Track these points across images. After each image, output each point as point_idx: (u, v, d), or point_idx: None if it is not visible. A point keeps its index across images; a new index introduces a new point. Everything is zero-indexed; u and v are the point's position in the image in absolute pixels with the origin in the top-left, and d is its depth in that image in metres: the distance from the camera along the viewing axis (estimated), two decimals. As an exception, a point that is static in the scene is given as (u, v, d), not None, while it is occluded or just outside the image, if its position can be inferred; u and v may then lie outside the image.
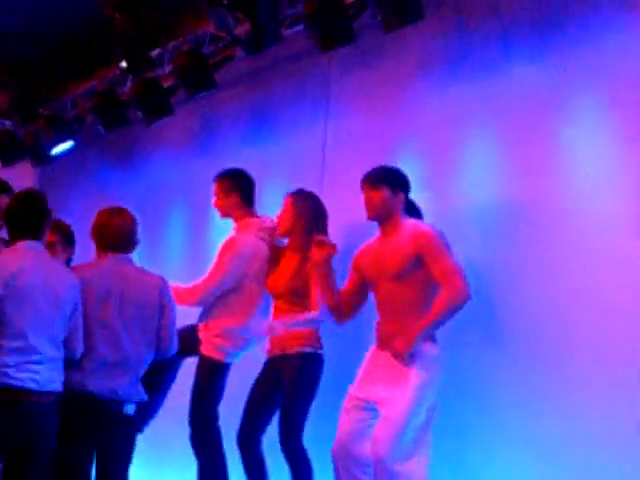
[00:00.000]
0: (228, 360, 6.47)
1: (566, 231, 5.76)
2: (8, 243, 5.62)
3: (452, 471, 5.94)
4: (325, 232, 6.25)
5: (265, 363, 6.44)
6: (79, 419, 5.51)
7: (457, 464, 5.99)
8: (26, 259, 5.38)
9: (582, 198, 5.72)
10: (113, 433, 5.61)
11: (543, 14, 6.18)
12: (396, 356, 5.20)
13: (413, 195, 5.82)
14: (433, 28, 6.62)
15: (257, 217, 6.70)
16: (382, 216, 5.59)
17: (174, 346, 5.84)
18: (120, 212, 5.88)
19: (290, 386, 6.19)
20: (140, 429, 6.11)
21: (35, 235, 5.52)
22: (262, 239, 6.56)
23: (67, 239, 6.32)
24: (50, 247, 6.06)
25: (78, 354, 5.47)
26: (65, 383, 5.41)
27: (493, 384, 5.97)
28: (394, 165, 5.78)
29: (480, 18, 6.49)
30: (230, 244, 6.55)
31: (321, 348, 6.27)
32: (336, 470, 5.60)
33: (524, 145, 6.14)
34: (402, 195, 5.61)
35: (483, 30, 6.51)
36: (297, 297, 6.21)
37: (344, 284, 5.80)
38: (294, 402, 6.19)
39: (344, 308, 5.78)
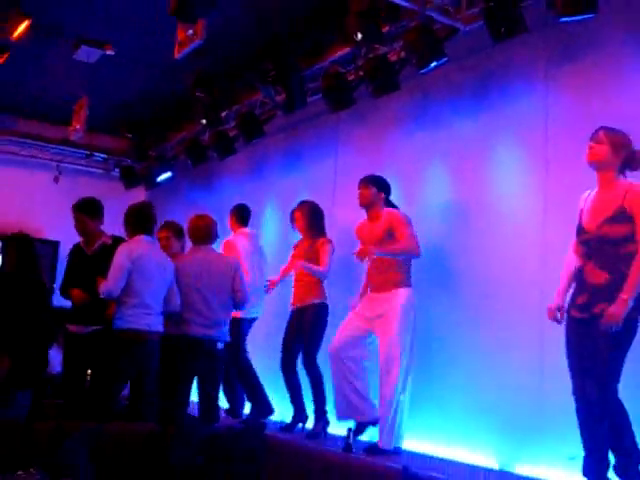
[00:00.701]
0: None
1: (490, 223, 5.76)
2: (121, 238, 5.72)
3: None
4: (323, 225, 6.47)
5: (290, 313, 6.46)
6: (183, 354, 5.61)
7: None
8: (144, 247, 5.50)
9: (501, 204, 5.72)
10: (207, 364, 5.68)
11: (477, 83, 6.16)
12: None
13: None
14: (405, 95, 6.56)
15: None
16: (368, 206, 5.69)
17: (245, 301, 5.91)
18: (203, 217, 5.98)
19: (308, 327, 6.24)
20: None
21: (149, 232, 5.64)
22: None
23: (178, 234, 6.33)
24: (166, 240, 6.18)
25: (177, 307, 5.60)
26: (174, 329, 5.54)
27: (450, 327, 5.91)
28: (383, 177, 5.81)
29: (436, 87, 6.45)
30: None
31: (326, 299, 6.30)
32: (333, 365, 5.65)
33: (465, 170, 6.13)
34: (383, 194, 5.71)
35: (437, 95, 6.49)
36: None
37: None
38: (312, 338, 6.24)
39: None
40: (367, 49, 6.50)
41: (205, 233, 5.89)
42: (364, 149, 7.25)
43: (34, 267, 5.35)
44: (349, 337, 5.64)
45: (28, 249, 5.41)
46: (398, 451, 5.40)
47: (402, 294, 5.46)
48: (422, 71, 6.00)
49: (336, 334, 5.72)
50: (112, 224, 6.00)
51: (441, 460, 5.51)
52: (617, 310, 3.83)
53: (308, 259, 6.30)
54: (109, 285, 5.24)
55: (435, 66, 5.89)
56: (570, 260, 4.25)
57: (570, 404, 4.09)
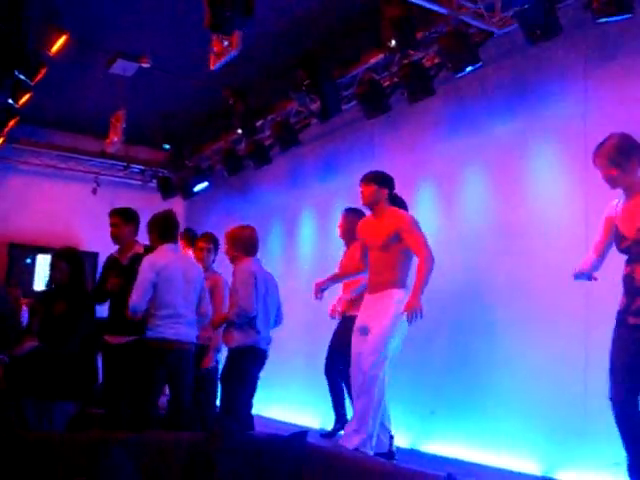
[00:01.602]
0: None
1: (530, 227, 5.70)
2: (152, 247, 5.69)
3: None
4: None
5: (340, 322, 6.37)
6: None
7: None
8: (169, 257, 5.50)
9: (540, 208, 5.66)
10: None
11: (513, 86, 6.12)
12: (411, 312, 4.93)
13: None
14: (440, 99, 6.57)
15: None
16: (371, 204, 5.50)
17: None
18: (246, 227, 5.95)
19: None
20: None
21: (173, 240, 5.65)
22: None
23: (215, 246, 6.39)
24: (206, 252, 6.25)
25: (207, 316, 5.64)
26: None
27: (494, 334, 5.92)
28: (383, 171, 5.61)
29: (471, 90, 6.42)
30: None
31: None
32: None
33: (502, 174, 6.10)
34: (386, 190, 5.47)
35: (472, 99, 6.47)
36: None
37: None
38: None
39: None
40: (401, 55, 6.52)
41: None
42: (400, 154, 7.23)
43: (83, 281, 5.38)
44: (358, 350, 5.40)
45: (78, 263, 5.44)
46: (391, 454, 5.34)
47: (395, 294, 5.26)
48: (457, 76, 5.99)
49: (352, 348, 5.50)
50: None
51: (483, 467, 5.47)
52: None
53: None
54: (133, 301, 5.25)
55: (470, 70, 5.87)
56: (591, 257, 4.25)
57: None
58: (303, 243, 8.50)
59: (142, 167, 11.20)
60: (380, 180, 5.47)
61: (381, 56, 6.81)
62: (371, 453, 5.03)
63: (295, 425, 7.03)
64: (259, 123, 8.39)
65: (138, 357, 5.38)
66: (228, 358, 5.66)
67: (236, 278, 5.64)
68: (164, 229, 5.57)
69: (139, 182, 11.30)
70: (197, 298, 5.55)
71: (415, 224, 5.28)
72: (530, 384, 5.43)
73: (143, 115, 9.20)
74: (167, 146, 9.95)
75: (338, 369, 6.25)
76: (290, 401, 7.84)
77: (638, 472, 3.94)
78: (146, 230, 5.65)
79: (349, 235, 6.36)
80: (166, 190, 10.75)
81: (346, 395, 6.28)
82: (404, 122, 7.15)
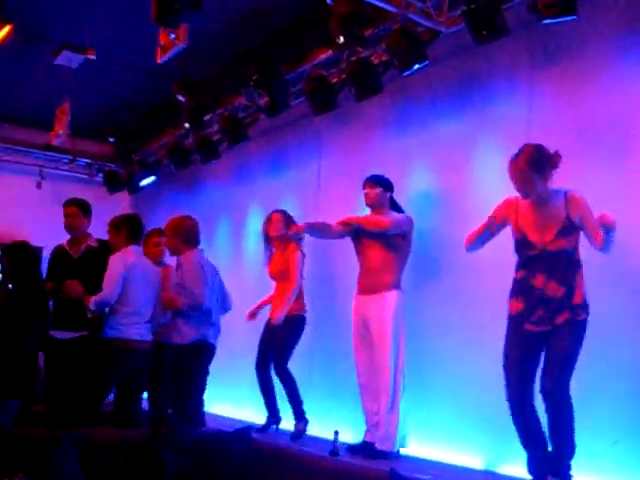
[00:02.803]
0: None
1: (474, 224, 5.69)
2: (109, 243, 5.67)
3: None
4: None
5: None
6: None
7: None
8: (136, 257, 5.48)
9: (485, 205, 5.66)
10: None
11: (459, 85, 6.17)
12: None
13: None
14: (388, 98, 6.58)
15: None
16: (374, 206, 5.65)
17: None
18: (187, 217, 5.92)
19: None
20: None
21: (139, 243, 5.63)
22: None
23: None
24: (160, 246, 6.23)
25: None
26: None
27: (434, 328, 5.94)
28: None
29: (419, 89, 6.45)
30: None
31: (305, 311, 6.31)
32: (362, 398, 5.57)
33: (449, 171, 6.14)
34: (389, 194, 5.69)
35: (418, 98, 6.50)
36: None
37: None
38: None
39: None
40: (350, 52, 6.50)
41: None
42: (347, 152, 7.25)
43: (28, 276, 5.27)
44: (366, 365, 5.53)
45: (20, 258, 5.33)
46: (397, 455, 5.41)
47: (393, 297, 5.43)
48: (404, 74, 6.01)
49: (356, 364, 5.59)
50: (96, 229, 5.96)
51: (427, 462, 5.50)
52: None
53: (279, 270, 6.30)
54: (105, 295, 5.20)
55: (417, 69, 5.90)
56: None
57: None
58: (250, 239, 8.45)
59: (88, 161, 10.98)
60: (386, 184, 5.69)
61: (330, 53, 6.78)
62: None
63: (240, 421, 7.01)
64: (207, 117, 8.32)
65: (92, 354, 5.31)
66: (178, 355, 5.60)
67: (184, 270, 5.61)
68: (133, 231, 5.56)
69: (85, 176, 11.07)
70: (154, 299, 5.55)
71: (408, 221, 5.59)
72: (469, 379, 5.49)
73: (89, 108, 9.07)
74: (113, 140, 9.80)
75: (269, 366, 6.33)
76: (235, 397, 7.81)
77: (539, 467, 4.18)
78: (111, 228, 5.59)
79: (283, 237, 6.34)
80: (112, 184, 10.60)
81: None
82: (352, 119, 7.15)
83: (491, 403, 5.18)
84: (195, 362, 5.57)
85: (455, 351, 5.68)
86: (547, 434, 4.17)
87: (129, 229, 5.55)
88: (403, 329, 5.45)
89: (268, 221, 6.48)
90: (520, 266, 4.26)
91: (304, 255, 6.27)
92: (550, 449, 4.15)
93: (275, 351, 6.22)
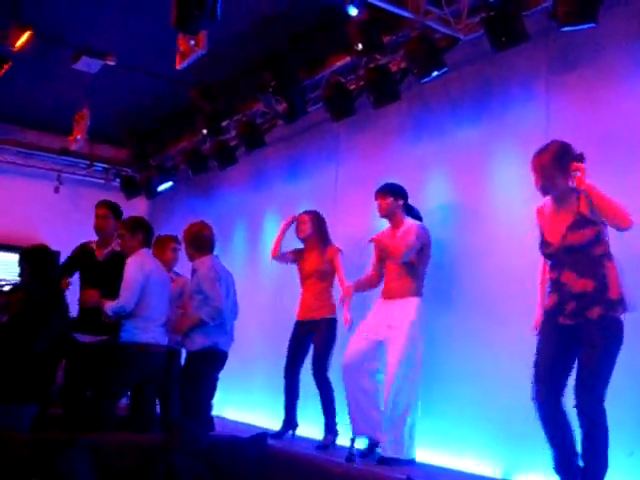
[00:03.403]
0: None
1: (493, 231, 5.74)
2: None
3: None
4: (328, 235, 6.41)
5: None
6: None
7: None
8: (152, 260, 5.52)
9: (503, 212, 5.71)
10: None
11: (477, 92, 6.16)
12: None
13: None
14: (406, 104, 6.59)
15: None
16: (388, 216, 5.70)
17: None
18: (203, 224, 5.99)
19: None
20: None
21: (150, 245, 5.65)
22: None
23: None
24: (177, 252, 6.38)
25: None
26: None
27: (452, 337, 5.93)
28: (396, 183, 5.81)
29: (436, 96, 6.45)
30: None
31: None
32: (346, 380, 5.60)
33: (466, 178, 6.13)
34: (401, 201, 5.70)
35: (437, 104, 6.49)
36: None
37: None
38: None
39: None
40: (368, 59, 6.51)
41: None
42: (365, 158, 7.25)
43: (47, 280, 5.28)
44: (362, 350, 5.60)
45: (38, 262, 5.35)
46: (411, 462, 5.40)
47: (414, 303, 5.48)
48: (423, 81, 6.02)
49: (349, 347, 5.67)
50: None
51: (442, 469, 5.49)
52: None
53: (321, 270, 6.28)
54: (123, 302, 5.22)
55: (436, 76, 5.90)
56: (543, 272, 4.36)
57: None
58: (266, 245, 8.44)
59: (106, 165, 11.04)
60: (396, 192, 5.71)
61: (348, 59, 6.81)
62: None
63: (255, 427, 7.01)
64: (224, 123, 8.34)
65: (108, 357, 5.33)
66: (187, 360, 5.65)
67: (200, 275, 5.63)
68: (148, 234, 5.59)
69: (102, 181, 11.13)
70: (167, 304, 5.57)
71: (418, 233, 5.57)
72: (486, 388, 5.46)
73: (108, 113, 9.11)
74: (131, 145, 9.83)
75: (299, 370, 6.31)
76: (251, 402, 7.81)
77: (566, 467, 4.08)
78: (125, 231, 5.60)
79: (322, 235, 6.38)
80: (130, 189, 10.62)
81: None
82: (369, 126, 7.16)
83: (508, 410, 5.19)
84: (204, 368, 5.62)
85: (472, 358, 5.66)
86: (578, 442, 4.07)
87: (144, 232, 5.57)
88: (423, 336, 5.44)
89: (297, 222, 6.50)
90: (550, 267, 4.23)
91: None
92: (581, 462, 4.04)
93: (316, 355, 6.17)
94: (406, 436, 5.36)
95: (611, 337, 3.97)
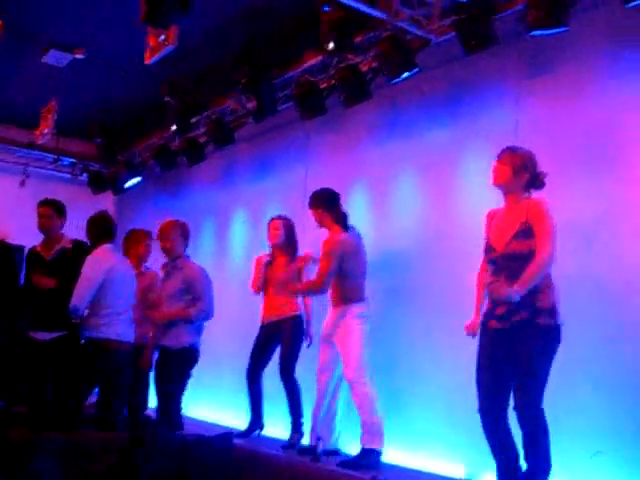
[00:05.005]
0: None
1: (461, 231, 5.71)
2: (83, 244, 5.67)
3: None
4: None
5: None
6: None
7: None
8: (113, 256, 5.46)
9: (472, 213, 5.65)
10: None
11: (448, 94, 6.17)
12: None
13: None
14: (377, 104, 6.57)
15: None
16: (324, 226, 5.72)
17: None
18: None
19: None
20: None
21: (113, 240, 5.59)
22: None
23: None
24: (149, 248, 6.30)
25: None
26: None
27: (413, 338, 5.95)
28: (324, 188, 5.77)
29: (407, 96, 6.45)
30: None
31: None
32: (319, 384, 5.64)
33: (436, 178, 6.15)
34: (332, 210, 5.65)
35: (407, 104, 6.49)
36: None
37: None
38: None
39: None
40: (339, 58, 6.50)
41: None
42: (335, 157, 7.25)
43: (8, 274, 5.23)
44: (326, 361, 5.65)
45: (2, 256, 5.29)
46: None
47: (352, 309, 5.49)
48: (393, 82, 6.02)
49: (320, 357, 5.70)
50: (80, 230, 5.90)
51: (408, 470, 5.50)
52: (505, 292, 3.94)
53: (287, 281, 6.22)
54: (76, 301, 5.15)
55: (406, 77, 5.91)
56: (481, 276, 4.39)
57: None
58: (234, 243, 8.45)
59: (73, 160, 10.91)
60: (327, 202, 5.68)
61: (319, 58, 6.78)
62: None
63: (221, 426, 6.98)
64: (194, 120, 8.29)
65: (72, 355, 5.27)
66: (169, 357, 5.60)
67: (196, 279, 5.68)
68: (105, 229, 5.52)
69: (69, 175, 11.00)
70: (132, 298, 5.52)
71: (328, 249, 5.57)
72: (451, 389, 5.46)
73: (76, 107, 9.01)
74: (99, 140, 9.73)
75: (261, 372, 6.34)
76: (218, 401, 7.78)
77: (510, 476, 4.12)
78: (90, 226, 5.55)
79: (292, 243, 6.38)
80: (97, 185, 10.53)
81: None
82: (340, 125, 7.16)
83: (473, 410, 5.20)
84: (187, 366, 5.64)
85: (436, 356, 5.68)
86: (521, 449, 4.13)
87: (100, 228, 5.52)
88: (366, 339, 5.49)
89: (269, 228, 6.44)
90: (491, 272, 4.27)
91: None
92: (524, 464, 4.10)
93: (283, 356, 6.17)
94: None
95: (539, 344, 4.00)
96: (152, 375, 5.94)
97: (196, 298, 5.64)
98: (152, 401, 6.31)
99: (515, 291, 3.91)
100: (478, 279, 4.43)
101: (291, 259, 6.32)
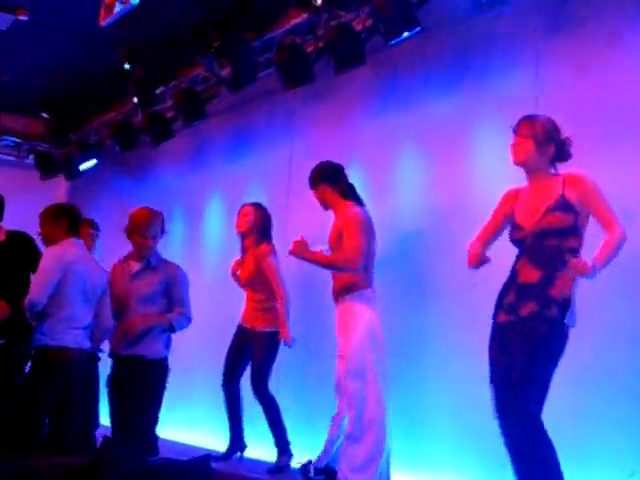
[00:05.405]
0: None
1: (471, 217, 5.62)
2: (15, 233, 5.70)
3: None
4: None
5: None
6: None
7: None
8: (77, 252, 5.45)
9: (484, 197, 5.60)
10: None
11: (455, 57, 6.18)
12: None
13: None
14: (370, 70, 6.60)
15: None
16: (327, 207, 5.61)
17: None
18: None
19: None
20: None
21: (77, 234, 5.59)
22: None
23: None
24: (90, 237, 6.35)
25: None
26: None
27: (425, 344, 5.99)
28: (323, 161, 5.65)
29: (405, 61, 6.46)
30: None
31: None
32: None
33: (442, 156, 6.14)
34: (336, 186, 5.54)
35: (408, 71, 6.50)
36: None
37: None
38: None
39: None
40: (328, 16, 6.50)
41: None
42: (325, 133, 7.25)
43: None
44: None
45: None
46: None
47: (355, 306, 5.34)
48: (392, 42, 6.02)
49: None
50: (25, 221, 5.90)
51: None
52: (589, 268, 3.80)
53: (252, 279, 6.30)
54: (34, 296, 5.16)
55: (407, 37, 5.91)
56: (475, 245, 4.39)
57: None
58: (208, 235, 8.45)
59: (17, 139, 10.90)
60: (327, 177, 5.56)
61: (305, 16, 6.79)
62: None
63: (197, 447, 7.00)
64: (159, 91, 8.29)
65: (10, 365, 5.29)
66: (142, 371, 5.57)
67: (180, 283, 5.69)
68: (74, 221, 5.53)
69: (13, 157, 11.00)
70: (97, 302, 5.51)
71: (357, 220, 5.37)
72: (468, 400, 5.49)
73: (19, 77, 9.00)
74: (48, 115, 9.73)
75: (238, 381, 6.37)
76: (191, 419, 7.80)
77: None
78: (46, 218, 5.54)
79: (255, 233, 6.39)
80: (46, 168, 10.54)
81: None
82: (330, 94, 7.17)
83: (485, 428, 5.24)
84: (164, 379, 5.63)
85: (448, 359, 5.71)
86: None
87: (69, 219, 5.52)
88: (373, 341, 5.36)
89: (238, 214, 6.47)
90: (516, 256, 4.24)
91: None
92: None
93: (254, 370, 6.22)
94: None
95: (543, 341, 3.94)
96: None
97: (175, 302, 5.62)
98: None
99: (595, 268, 3.79)
100: (471, 247, 4.38)
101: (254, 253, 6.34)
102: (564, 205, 4.05)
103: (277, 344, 6.20)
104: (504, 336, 4.11)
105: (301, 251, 5.12)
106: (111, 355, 5.66)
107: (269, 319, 6.24)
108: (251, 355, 6.28)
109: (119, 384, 5.63)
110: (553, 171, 4.22)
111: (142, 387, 5.53)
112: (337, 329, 5.38)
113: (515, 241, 4.24)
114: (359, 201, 5.59)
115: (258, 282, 6.28)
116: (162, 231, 5.76)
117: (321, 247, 5.40)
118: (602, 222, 4.00)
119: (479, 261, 4.34)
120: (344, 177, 5.61)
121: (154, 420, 5.63)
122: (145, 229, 5.62)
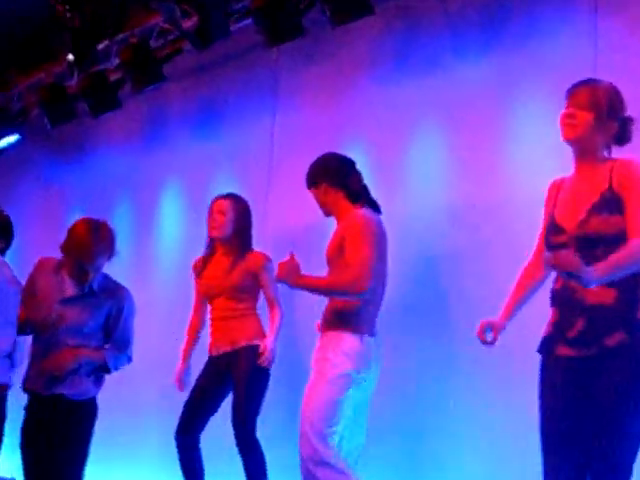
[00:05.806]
0: None
1: (511, 225, 5.71)
2: None
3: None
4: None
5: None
6: None
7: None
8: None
9: (521, 195, 5.69)
10: None
11: (490, 10, 6.17)
12: None
13: None
14: (380, 23, 6.59)
15: None
16: (331, 212, 5.53)
17: None
18: None
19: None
20: None
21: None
22: None
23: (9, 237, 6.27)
24: None
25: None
26: None
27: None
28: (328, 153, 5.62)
29: (427, 13, 6.47)
30: None
31: None
32: None
33: (468, 141, 6.14)
34: (341, 186, 5.46)
35: (430, 25, 6.49)
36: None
37: None
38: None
39: None
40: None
41: None
42: (315, 104, 7.26)
43: None
44: None
45: None
46: None
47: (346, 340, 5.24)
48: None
49: None
50: None
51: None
52: (576, 264, 3.69)
53: (237, 286, 6.24)
54: None
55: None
56: (528, 271, 4.35)
57: None
58: (163, 231, 8.41)
59: None
60: (332, 172, 5.50)
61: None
62: None
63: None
64: (102, 46, 8.25)
65: None
66: (67, 413, 5.55)
67: (130, 311, 5.66)
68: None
69: None
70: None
71: (364, 228, 5.28)
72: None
73: None
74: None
75: (196, 439, 6.30)
76: (139, 476, 7.77)
77: None
78: None
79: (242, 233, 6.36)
80: (-46, 144, 10.52)
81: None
82: (324, 55, 7.19)
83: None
84: (92, 424, 5.63)
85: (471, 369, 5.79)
86: None
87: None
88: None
89: (210, 212, 6.38)
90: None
91: None
92: None
93: (237, 403, 6.15)
94: None
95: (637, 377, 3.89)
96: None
97: (116, 336, 5.59)
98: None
99: (591, 272, 3.79)
100: (521, 275, 4.35)
101: (239, 257, 6.29)
102: (611, 202, 3.97)
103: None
104: (571, 377, 4.02)
105: (294, 279, 5.01)
106: (26, 391, 5.62)
107: (254, 328, 6.23)
108: (230, 388, 6.19)
109: (36, 429, 5.61)
110: (606, 155, 4.16)
111: (68, 432, 5.51)
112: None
113: (553, 247, 4.15)
114: (374, 208, 5.50)
115: (245, 292, 6.26)
116: (111, 255, 5.64)
117: None
118: (630, 223, 3.92)
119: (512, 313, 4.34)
120: (356, 176, 5.53)
121: (81, 471, 5.61)
122: (88, 257, 5.46)
